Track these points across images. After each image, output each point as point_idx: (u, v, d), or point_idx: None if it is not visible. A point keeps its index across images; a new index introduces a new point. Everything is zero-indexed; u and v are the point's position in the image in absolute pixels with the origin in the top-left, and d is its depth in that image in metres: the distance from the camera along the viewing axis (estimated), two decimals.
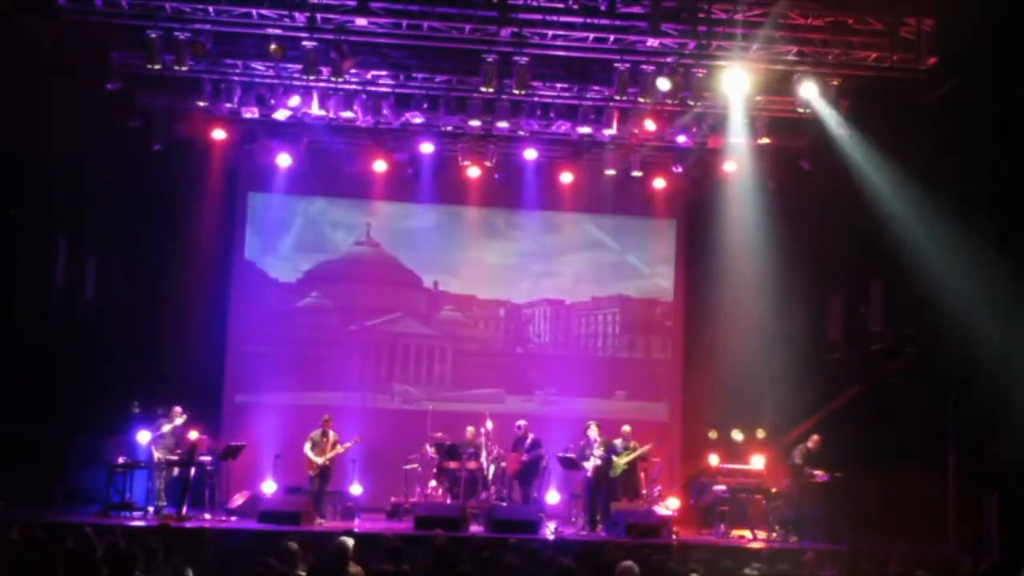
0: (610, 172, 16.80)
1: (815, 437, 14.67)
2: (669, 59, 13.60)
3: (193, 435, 14.51)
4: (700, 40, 13.27)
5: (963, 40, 12.74)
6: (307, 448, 14.75)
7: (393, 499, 15.34)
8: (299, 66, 13.72)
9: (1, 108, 12.67)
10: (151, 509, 14.12)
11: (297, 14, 13.06)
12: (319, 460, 14.63)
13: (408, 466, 15.52)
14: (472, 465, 15.20)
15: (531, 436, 15.44)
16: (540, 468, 15.37)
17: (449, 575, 7.99)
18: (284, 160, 16.63)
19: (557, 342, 17.88)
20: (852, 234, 15.31)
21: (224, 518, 14.02)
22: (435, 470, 15.38)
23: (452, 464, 15.20)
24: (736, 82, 13.64)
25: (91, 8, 12.98)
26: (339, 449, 14.76)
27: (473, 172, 16.86)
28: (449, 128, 15.92)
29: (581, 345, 17.85)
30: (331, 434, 14.79)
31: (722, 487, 14.86)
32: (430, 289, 17.80)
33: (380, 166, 16.96)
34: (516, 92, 13.95)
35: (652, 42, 13.43)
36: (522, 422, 15.62)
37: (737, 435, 16.06)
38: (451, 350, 17.72)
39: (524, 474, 15.30)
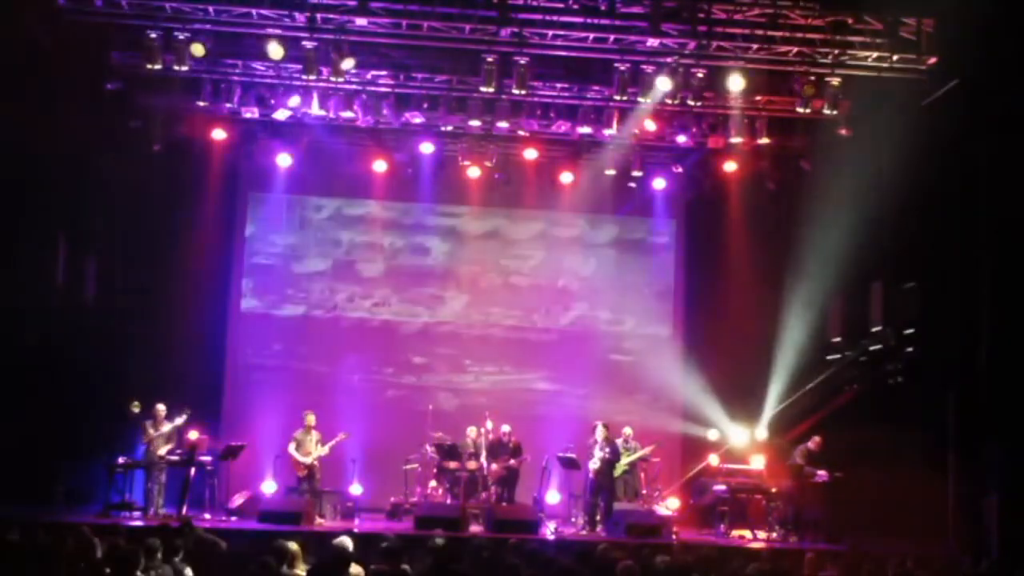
0: (610, 172, 16.81)
1: (816, 438, 14.68)
2: (669, 59, 13.61)
3: (193, 435, 14.50)
4: (700, 40, 13.28)
5: (963, 40, 12.75)
6: (292, 448, 14.78)
7: (393, 499, 15.33)
8: (299, 66, 13.73)
9: (1, 108, 12.67)
10: (151, 509, 14.11)
11: (297, 14, 13.07)
12: (305, 460, 14.65)
13: (408, 466, 15.51)
14: (472, 465, 15.21)
15: (513, 441, 15.47)
16: (519, 473, 15.42)
17: (449, 575, 8.00)
18: (284, 160, 16.61)
19: (556, 341, 17.85)
20: (852, 234, 15.30)
21: (224, 518, 14.02)
22: (435, 470, 15.37)
23: (452, 464, 15.20)
24: (736, 82, 13.66)
25: (91, 8, 12.99)
26: (323, 450, 14.76)
27: (473, 172, 16.87)
28: (449, 128, 15.91)
29: (581, 345, 17.82)
30: (314, 433, 14.80)
31: (722, 487, 14.85)
32: (433, 285, 17.82)
33: (380, 166, 16.96)
34: (516, 92, 13.95)
35: (652, 42, 13.44)
36: (507, 427, 15.61)
37: (736, 435, 16.06)
38: (451, 346, 17.72)
39: (508, 479, 15.32)
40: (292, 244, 17.67)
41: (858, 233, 14.94)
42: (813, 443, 14.66)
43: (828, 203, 15.59)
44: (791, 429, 15.55)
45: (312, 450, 14.73)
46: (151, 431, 14.23)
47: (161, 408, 14.37)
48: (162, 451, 14.19)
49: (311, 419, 14.89)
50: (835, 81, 13.69)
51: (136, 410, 14.67)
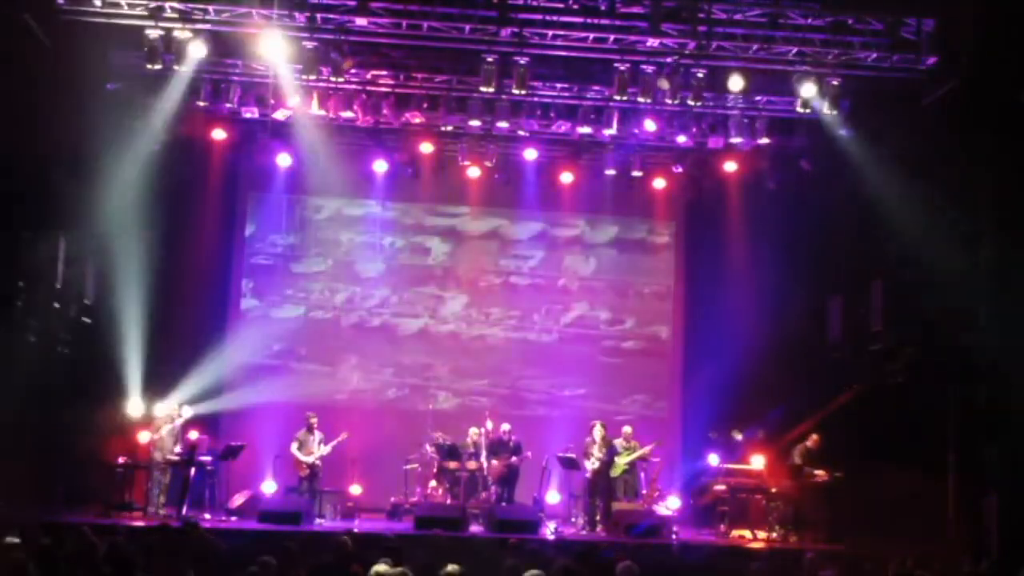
0: (610, 172, 16.82)
1: (814, 436, 14.68)
2: (669, 59, 13.61)
3: (193, 435, 14.51)
4: (700, 40, 13.27)
5: (963, 40, 12.75)
6: (294, 448, 14.82)
7: (393, 499, 15.35)
8: (299, 66, 13.72)
9: (1, 108, 12.66)
10: (151, 509, 14.12)
11: (297, 14, 13.07)
12: (308, 460, 14.67)
13: (408, 466, 15.52)
14: (472, 465, 15.22)
15: (514, 439, 15.47)
16: (520, 471, 15.39)
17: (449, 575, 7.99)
18: (284, 160, 16.64)
19: (556, 341, 17.85)
20: (852, 234, 15.29)
21: (224, 518, 14.02)
22: (435, 470, 15.38)
23: (452, 464, 15.21)
24: (736, 82, 13.66)
25: (91, 8, 12.98)
26: (325, 450, 14.77)
27: (473, 172, 16.87)
28: (449, 128, 15.92)
29: (580, 345, 17.83)
30: (317, 433, 14.83)
31: (722, 487, 14.86)
32: (433, 285, 17.82)
33: (380, 166, 16.98)
34: (516, 92, 13.94)
35: (652, 42, 13.43)
36: (506, 426, 15.61)
37: (737, 435, 16.06)
38: (451, 346, 17.72)
39: (508, 478, 15.31)
40: (292, 244, 17.69)
41: (858, 233, 14.93)
42: (811, 441, 14.67)
43: (828, 203, 15.59)
44: (791, 429, 15.54)
45: (314, 450, 14.76)
46: (164, 431, 14.27)
47: (173, 407, 14.41)
48: (170, 453, 14.21)
49: (313, 420, 14.93)
50: (835, 81, 13.67)
51: (137, 410, 14.67)
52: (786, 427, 15.71)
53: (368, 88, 14.78)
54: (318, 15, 13.10)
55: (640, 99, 14.03)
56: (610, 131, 15.23)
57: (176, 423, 14.47)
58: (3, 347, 13.87)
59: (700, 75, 13.65)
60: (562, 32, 13.43)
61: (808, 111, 13.98)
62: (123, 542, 8.26)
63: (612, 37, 13.46)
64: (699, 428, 16.71)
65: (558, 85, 14.92)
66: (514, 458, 15.34)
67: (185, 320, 16.16)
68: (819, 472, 14.40)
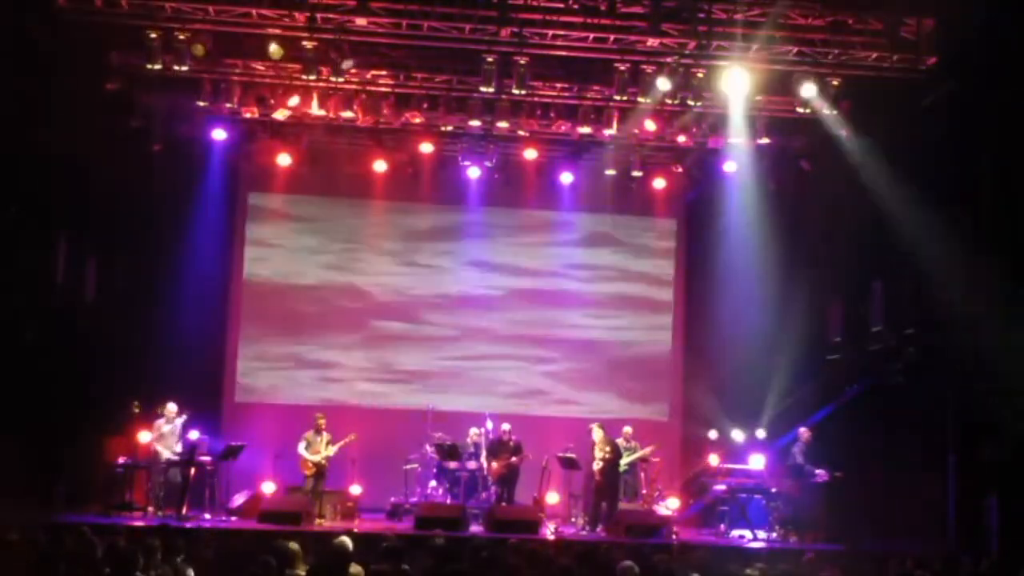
0: (610, 172, 16.82)
1: (802, 429, 14.73)
2: (669, 59, 13.60)
3: (193, 435, 14.51)
4: (700, 40, 13.26)
5: (963, 40, 12.75)
6: (302, 448, 14.82)
7: (393, 499, 15.35)
8: (299, 66, 13.72)
9: (1, 108, 12.66)
10: (151, 509, 14.12)
11: (297, 14, 13.07)
12: (315, 459, 14.69)
13: (408, 466, 15.52)
14: (472, 465, 15.22)
15: (514, 440, 15.45)
16: (520, 471, 15.33)
17: (449, 575, 7.99)
18: (284, 160, 16.65)
19: (555, 341, 17.85)
20: (852, 234, 15.31)
21: (224, 518, 14.02)
22: (435, 470, 15.38)
23: (452, 464, 15.21)
24: (736, 82, 13.65)
25: (91, 8, 12.98)
26: (331, 450, 14.79)
27: (473, 172, 16.88)
28: (449, 128, 15.92)
29: (580, 344, 17.83)
30: (324, 433, 14.85)
31: (722, 487, 14.86)
32: (433, 285, 17.81)
33: (380, 166, 16.98)
34: (516, 92, 13.94)
35: (652, 42, 13.43)
36: (506, 426, 15.59)
37: (737, 435, 16.07)
38: (451, 346, 17.72)
39: (508, 478, 15.27)
40: (292, 244, 17.66)
41: (858, 233, 14.94)
42: (805, 436, 14.70)
43: (828, 203, 15.61)
44: (791, 429, 15.55)
45: (321, 450, 14.77)
46: (164, 429, 14.27)
47: (172, 407, 14.43)
48: (171, 452, 14.22)
49: (322, 421, 14.94)
50: (835, 81, 13.67)
51: (136, 410, 14.67)
52: (787, 427, 15.74)
53: (368, 88, 14.75)
54: (318, 15, 13.10)
55: (640, 99, 14.04)
56: (610, 131, 15.22)
57: (176, 423, 14.46)
58: (3, 347, 13.89)
59: (700, 75, 13.65)
60: (562, 32, 13.42)
61: (808, 111, 13.97)
62: (123, 542, 8.25)
63: (612, 37, 13.45)
64: (699, 428, 16.72)
65: (558, 85, 14.92)
66: (514, 458, 15.34)
67: (185, 320, 16.14)
68: (819, 472, 14.41)
